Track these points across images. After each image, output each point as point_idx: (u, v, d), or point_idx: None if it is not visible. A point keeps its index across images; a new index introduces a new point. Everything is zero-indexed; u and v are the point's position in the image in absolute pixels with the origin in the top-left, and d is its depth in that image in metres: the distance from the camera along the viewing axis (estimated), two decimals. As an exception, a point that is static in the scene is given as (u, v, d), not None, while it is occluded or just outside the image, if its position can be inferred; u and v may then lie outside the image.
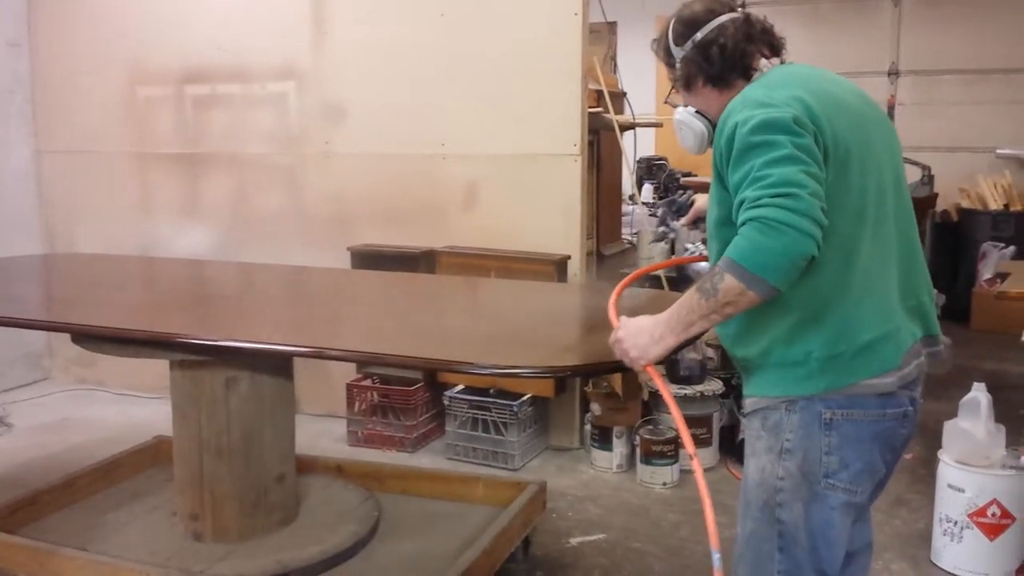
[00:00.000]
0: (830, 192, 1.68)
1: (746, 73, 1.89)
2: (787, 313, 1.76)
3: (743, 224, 1.62)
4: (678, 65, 1.95)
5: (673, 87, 2.02)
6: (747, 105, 1.73)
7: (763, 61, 1.90)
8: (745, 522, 1.91)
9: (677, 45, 1.93)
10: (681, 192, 2.58)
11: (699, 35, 1.89)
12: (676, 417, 1.87)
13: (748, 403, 1.89)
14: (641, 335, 1.83)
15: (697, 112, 1.99)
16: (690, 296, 1.73)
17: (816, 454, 1.80)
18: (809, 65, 1.92)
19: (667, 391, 1.93)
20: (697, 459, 1.82)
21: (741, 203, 1.65)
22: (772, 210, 1.58)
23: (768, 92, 1.75)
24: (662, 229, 2.62)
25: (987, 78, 7.43)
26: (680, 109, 2.02)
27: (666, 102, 2.09)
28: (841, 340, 1.75)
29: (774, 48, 1.93)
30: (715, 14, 1.90)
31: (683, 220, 2.50)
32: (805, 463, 1.81)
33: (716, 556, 1.73)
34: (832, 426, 1.78)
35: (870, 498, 1.95)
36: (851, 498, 1.83)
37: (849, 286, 1.74)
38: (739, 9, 1.93)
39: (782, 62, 1.93)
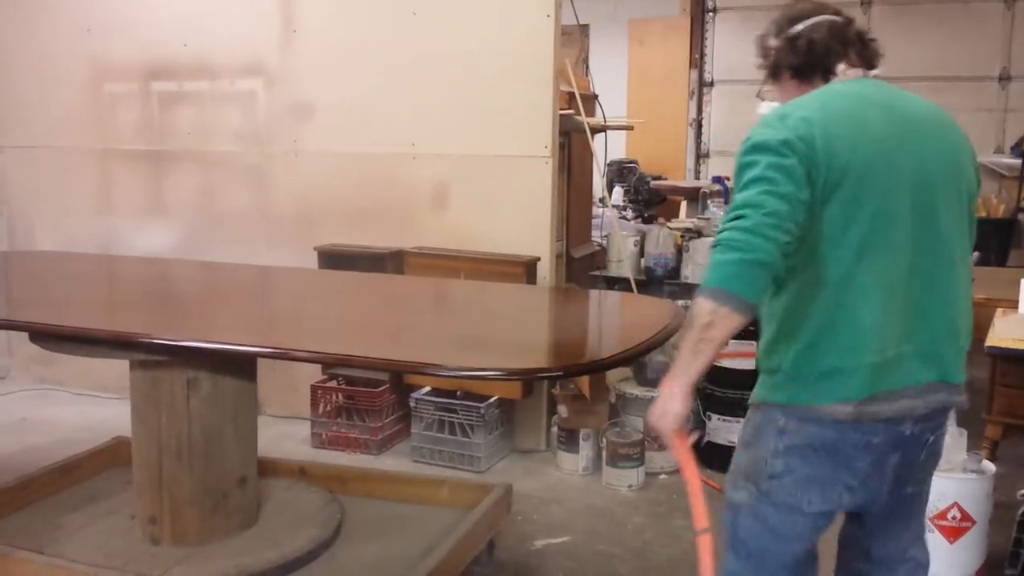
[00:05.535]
0: (816, 215, 1.73)
1: (826, 74, 1.92)
2: (772, 325, 1.86)
3: None
4: (772, 54, 1.99)
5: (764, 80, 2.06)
6: (760, 124, 1.80)
7: (841, 67, 1.92)
8: None
9: (775, 36, 1.98)
10: None
11: (795, 28, 1.94)
12: (694, 496, 1.83)
13: None
14: (659, 401, 1.83)
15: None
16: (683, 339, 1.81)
17: (764, 454, 1.88)
18: (871, 82, 1.91)
19: (692, 469, 1.85)
20: (705, 536, 1.82)
21: None
22: (726, 233, 1.68)
23: (787, 111, 1.79)
24: None
25: (956, 85, 7.52)
26: (764, 104, 2.05)
27: (758, 96, 2.12)
28: (805, 362, 1.80)
29: (864, 58, 1.94)
30: (817, 13, 1.95)
31: None
32: (755, 455, 1.91)
33: None
34: (784, 433, 1.85)
35: (868, 522, 2.01)
36: (796, 503, 1.86)
37: (820, 311, 1.78)
38: (842, 15, 1.96)
39: (865, 74, 1.93)
